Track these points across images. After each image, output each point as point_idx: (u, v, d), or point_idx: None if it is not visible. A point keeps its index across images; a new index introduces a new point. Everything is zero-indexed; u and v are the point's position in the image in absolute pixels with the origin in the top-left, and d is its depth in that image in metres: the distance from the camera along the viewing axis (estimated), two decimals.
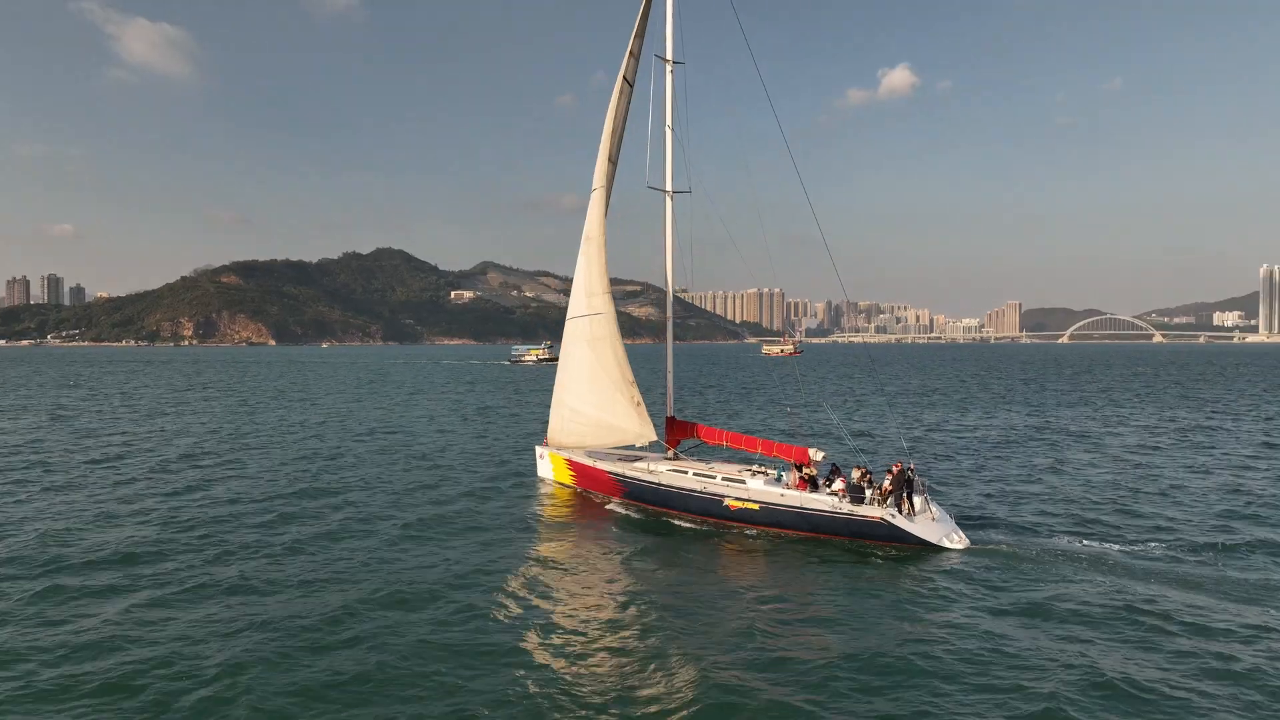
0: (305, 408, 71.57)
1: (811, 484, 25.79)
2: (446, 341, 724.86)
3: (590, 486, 30.68)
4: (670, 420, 30.78)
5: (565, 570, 21.75)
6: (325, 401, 79.52)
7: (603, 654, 16.15)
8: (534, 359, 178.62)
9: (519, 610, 18.57)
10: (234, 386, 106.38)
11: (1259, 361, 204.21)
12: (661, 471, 28.34)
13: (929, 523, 23.83)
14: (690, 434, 30.51)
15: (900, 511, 23.89)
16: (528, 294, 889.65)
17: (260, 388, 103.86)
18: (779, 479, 26.46)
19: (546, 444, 33.27)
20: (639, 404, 29.71)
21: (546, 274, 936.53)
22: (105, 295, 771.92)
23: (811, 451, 26.58)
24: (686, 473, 27.89)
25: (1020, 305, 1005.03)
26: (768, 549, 23.69)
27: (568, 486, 31.70)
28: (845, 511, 24.18)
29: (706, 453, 31.33)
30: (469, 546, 23.85)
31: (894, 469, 24.78)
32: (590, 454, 31.38)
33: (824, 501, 24.63)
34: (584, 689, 14.59)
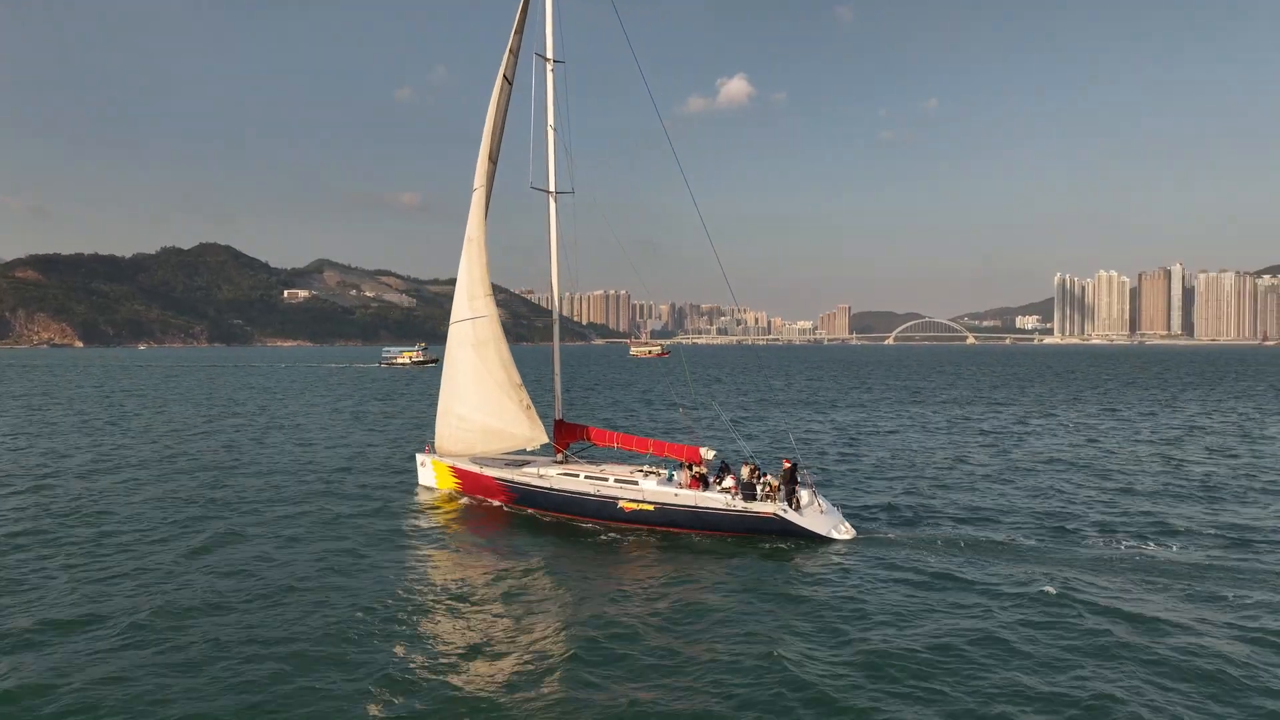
0: (151, 415, 65.73)
1: (703, 482, 26.26)
2: (280, 343, 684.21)
3: (477, 493, 29.85)
4: (559, 423, 30.46)
5: (451, 579, 20.98)
6: (173, 409, 73.32)
7: (486, 659, 15.82)
8: (407, 361, 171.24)
9: (401, 620, 17.85)
10: (42, 392, 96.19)
11: (1059, 362, 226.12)
12: (552, 475, 28.01)
13: (817, 515, 24.78)
14: (580, 436, 30.29)
15: (790, 506, 24.72)
16: (368, 294, 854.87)
17: (82, 394, 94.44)
18: (670, 479, 26.76)
19: (429, 451, 32.14)
20: (528, 407, 29.24)
21: (388, 273, 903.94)
22: None
23: (703, 450, 27.04)
24: (578, 475, 27.70)
25: (850, 308, 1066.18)
26: (662, 548, 23.87)
27: (452, 494, 30.65)
28: (739, 508, 24.76)
29: (595, 455, 31.21)
30: (345, 561, 22.45)
31: (784, 465, 25.63)
32: (476, 460, 30.56)
33: (717, 500, 25.11)
34: (462, 694, 14.28)
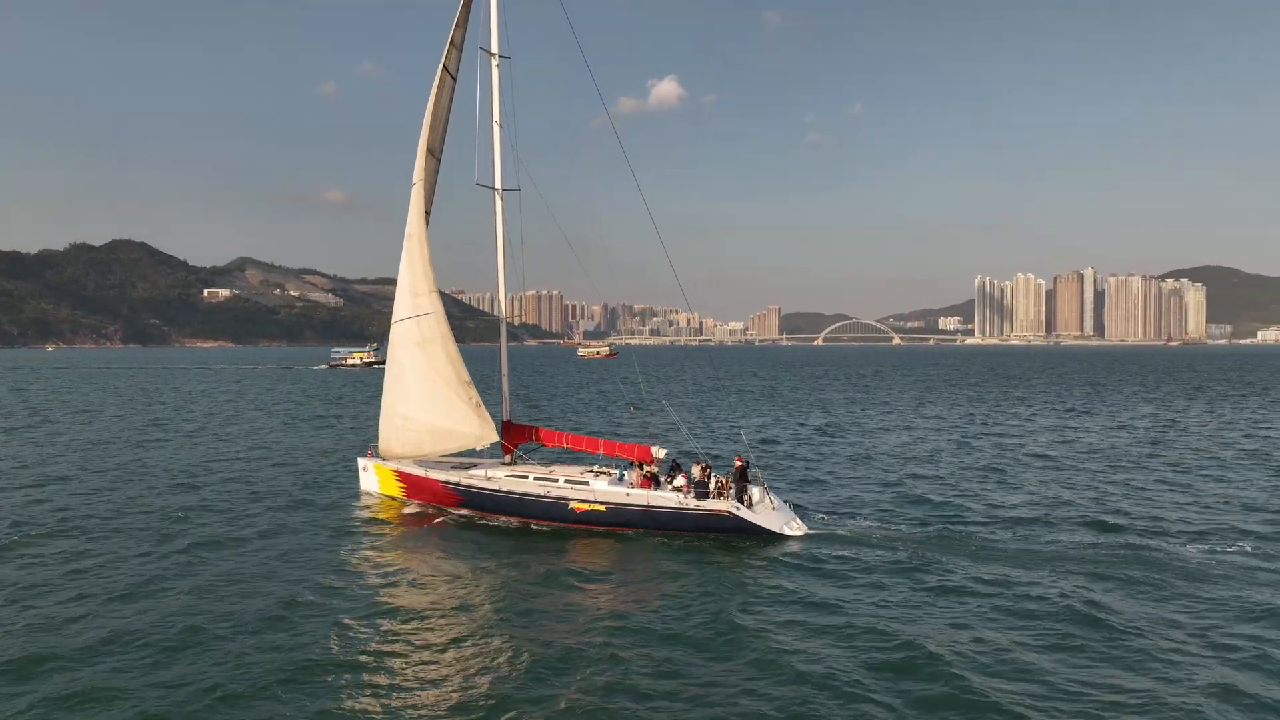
0: (75, 420, 62.53)
1: (654, 482, 26.22)
2: (201, 344, 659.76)
3: (422, 498, 29.14)
4: (507, 424, 29.96)
5: (396, 587, 20.31)
6: (102, 413, 69.91)
7: (433, 668, 15.40)
8: (358, 362, 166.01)
9: (346, 628, 17.27)
10: None
11: (983, 361, 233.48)
12: (500, 477, 27.59)
13: (769, 512, 24.98)
14: (528, 437, 29.89)
15: (742, 504, 24.87)
16: (292, 293, 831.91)
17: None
18: (621, 479, 26.63)
19: (371, 455, 31.30)
20: (478, 405, 28.67)
21: (313, 272, 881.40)
22: None
23: (654, 449, 26.98)
24: (527, 477, 27.33)
25: (779, 309, 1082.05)
26: (614, 549, 23.74)
27: (396, 499, 29.81)
28: (691, 506, 24.78)
29: (545, 456, 30.86)
30: (283, 568, 21.53)
31: (736, 463, 25.76)
32: (420, 463, 29.87)
33: (670, 498, 25.10)
34: (411, 707, 13.90)
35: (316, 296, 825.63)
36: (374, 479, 30.80)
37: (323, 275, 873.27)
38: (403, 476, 29.68)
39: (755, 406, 73.82)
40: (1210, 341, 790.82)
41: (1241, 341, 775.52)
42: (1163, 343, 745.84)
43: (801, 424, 57.64)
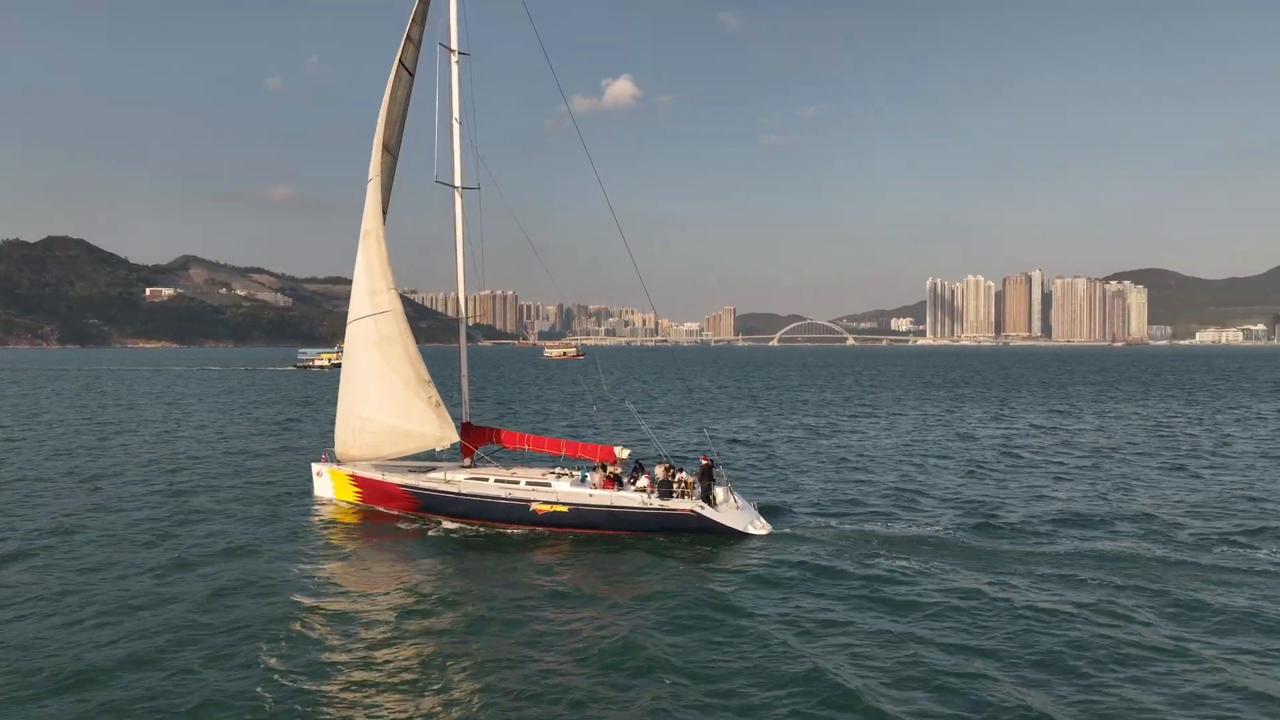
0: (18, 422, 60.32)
1: (617, 482, 26.18)
2: (143, 344, 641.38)
3: (379, 503, 28.70)
4: (466, 426, 29.64)
5: (355, 594, 19.89)
6: (49, 415, 67.57)
7: (394, 677, 15.16)
8: (327, 363, 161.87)
9: (298, 642, 16.79)
10: None
11: (942, 361, 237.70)
12: (460, 480, 27.34)
13: (734, 512, 25.13)
14: (489, 439, 29.62)
15: (706, 503, 24.93)
16: (239, 292, 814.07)
17: None
18: (584, 480, 26.57)
19: (325, 460, 30.73)
20: (438, 404, 28.30)
21: (260, 270, 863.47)
22: None
23: (617, 450, 26.96)
24: (487, 479, 27.15)
25: (735, 310, 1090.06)
26: (577, 550, 23.68)
27: (353, 505, 29.28)
28: (655, 506, 24.83)
29: (505, 458, 30.61)
30: (229, 583, 20.51)
31: (702, 462, 25.83)
32: (378, 467, 29.42)
33: (633, 498, 25.11)
34: (367, 714, 13.71)
35: (264, 296, 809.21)
36: (329, 484, 30.21)
37: (270, 274, 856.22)
38: (359, 481, 29.17)
39: (719, 406, 74.20)
40: (1152, 342, 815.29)
41: (1181, 342, 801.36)
42: (1107, 343, 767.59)
43: (766, 423, 58.15)
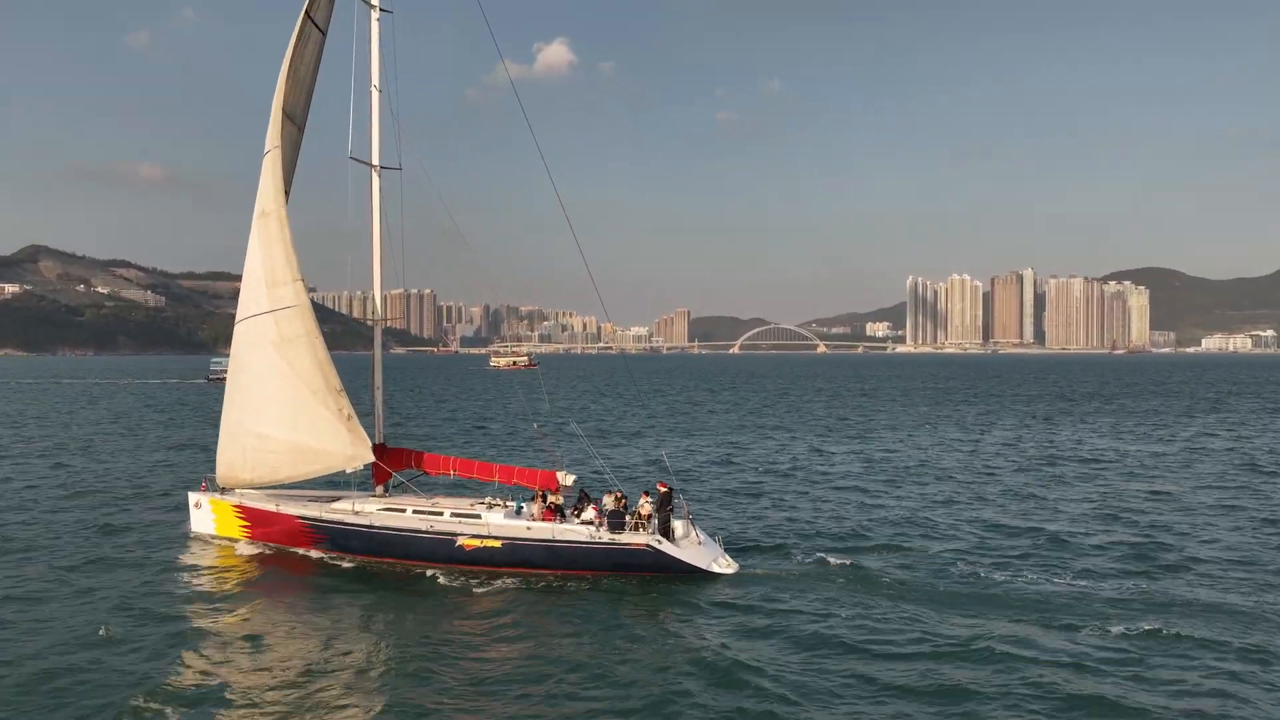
0: None
1: (559, 513, 26.02)
2: None
3: (272, 539, 28.18)
4: (380, 448, 29.18)
5: (238, 657, 19.12)
6: None
7: None
8: None
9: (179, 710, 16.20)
10: None
11: (926, 371, 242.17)
12: (372, 511, 26.98)
13: (695, 547, 25.17)
14: (407, 463, 29.30)
15: (666, 538, 24.91)
16: (100, 289, 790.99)
17: None
18: (519, 510, 26.42)
19: (205, 488, 29.99)
20: (350, 418, 27.85)
21: (125, 264, 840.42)
22: None
23: (560, 475, 26.84)
24: (405, 510, 26.86)
25: (689, 313, 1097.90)
26: (513, 593, 23.52)
27: (238, 542, 28.63)
28: (605, 541, 24.74)
29: (424, 486, 30.21)
30: (85, 648, 19.34)
31: (660, 489, 25.83)
32: (270, 495, 28.89)
33: (579, 532, 25.00)
34: None
35: (131, 294, 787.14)
36: (209, 517, 29.45)
37: (138, 268, 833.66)
38: (247, 513, 28.53)
39: (677, 425, 74.36)
40: (1155, 350, 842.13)
41: (1187, 350, 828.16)
42: (1107, 350, 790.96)
43: (732, 444, 58.47)
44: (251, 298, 28.63)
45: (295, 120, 28.85)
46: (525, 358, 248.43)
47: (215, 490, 29.59)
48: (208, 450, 48.56)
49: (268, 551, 27.75)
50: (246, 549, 28.07)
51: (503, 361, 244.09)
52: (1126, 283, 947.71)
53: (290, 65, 28.23)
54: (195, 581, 24.97)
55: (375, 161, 28.70)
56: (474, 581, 24.50)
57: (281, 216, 28.15)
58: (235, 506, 28.80)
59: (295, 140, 29.10)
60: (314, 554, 27.18)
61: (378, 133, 28.61)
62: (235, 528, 28.87)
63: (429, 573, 25.26)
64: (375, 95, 28.56)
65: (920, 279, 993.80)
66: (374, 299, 29.86)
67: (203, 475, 31.81)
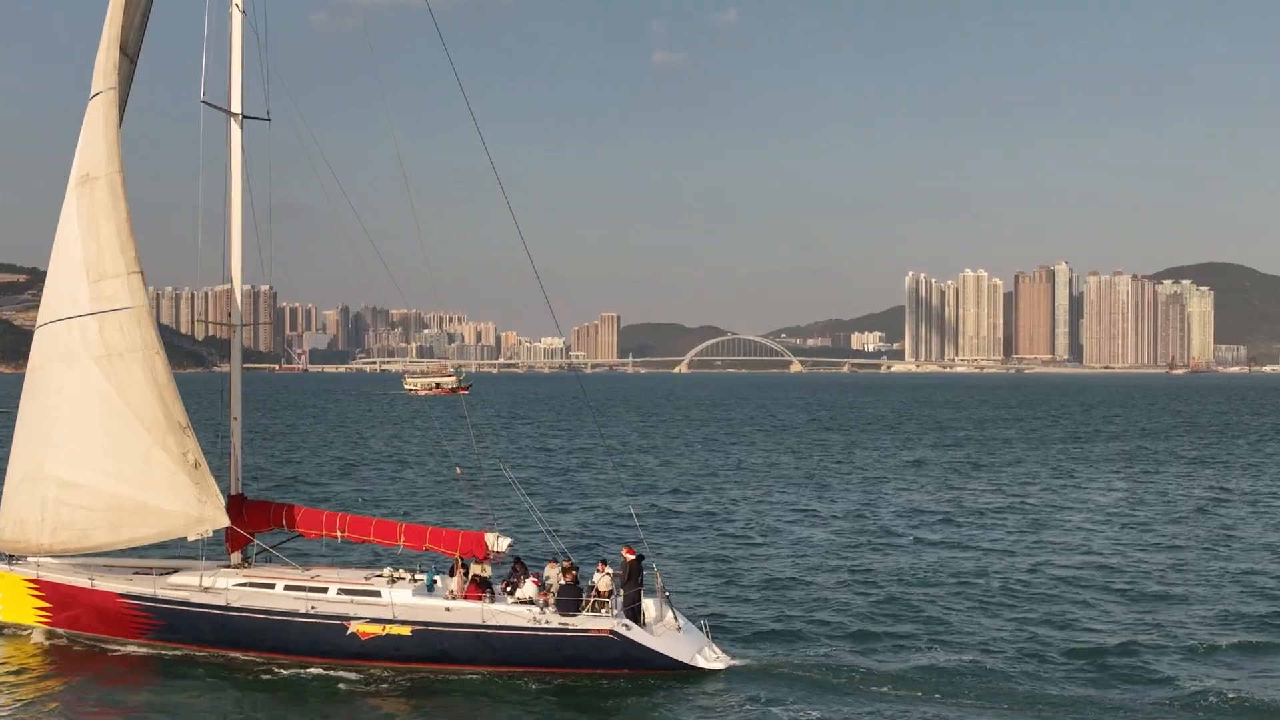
0: None
1: (487, 589, 25.96)
2: None
3: (83, 625, 27.96)
4: (237, 501, 29.15)
5: None
6: None
7: None
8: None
9: None
10: None
11: (935, 394, 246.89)
12: (227, 588, 26.80)
13: (673, 634, 25.33)
14: (276, 521, 29.22)
15: (636, 621, 24.98)
16: None
17: None
18: (433, 586, 26.40)
19: None
20: (198, 464, 27.52)
21: None
22: None
23: (490, 538, 26.85)
24: (274, 585, 26.86)
25: (618, 319, 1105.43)
26: (427, 700, 23.56)
27: (35, 630, 28.46)
28: (555, 627, 24.68)
29: (300, 554, 30.03)
30: None
31: (626, 556, 25.89)
32: (78, 565, 28.67)
33: (519, 615, 24.95)
34: None
35: None
36: None
37: None
38: (47, 589, 28.19)
39: (645, 470, 74.78)
40: (1222, 368, 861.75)
41: (1263, 369, 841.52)
42: (1165, 370, 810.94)
43: (713, 500, 58.83)
44: (63, 295, 28.26)
45: (129, 54, 28.73)
46: (452, 378, 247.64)
47: (2, 558, 29.19)
48: None
49: (76, 646, 27.51)
50: (43, 640, 27.93)
51: (421, 384, 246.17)
52: (1185, 282, 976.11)
53: None
54: None
55: (236, 109, 28.80)
56: (370, 683, 24.38)
57: (117, 184, 27.71)
58: (29, 581, 28.37)
59: (129, 78, 29.08)
60: (141, 648, 26.98)
61: (238, 70, 28.80)
62: (27, 609, 28.51)
63: (309, 671, 25.02)
64: (237, 17, 28.64)
65: (922, 276, 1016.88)
66: (235, 293, 29.76)
67: None
